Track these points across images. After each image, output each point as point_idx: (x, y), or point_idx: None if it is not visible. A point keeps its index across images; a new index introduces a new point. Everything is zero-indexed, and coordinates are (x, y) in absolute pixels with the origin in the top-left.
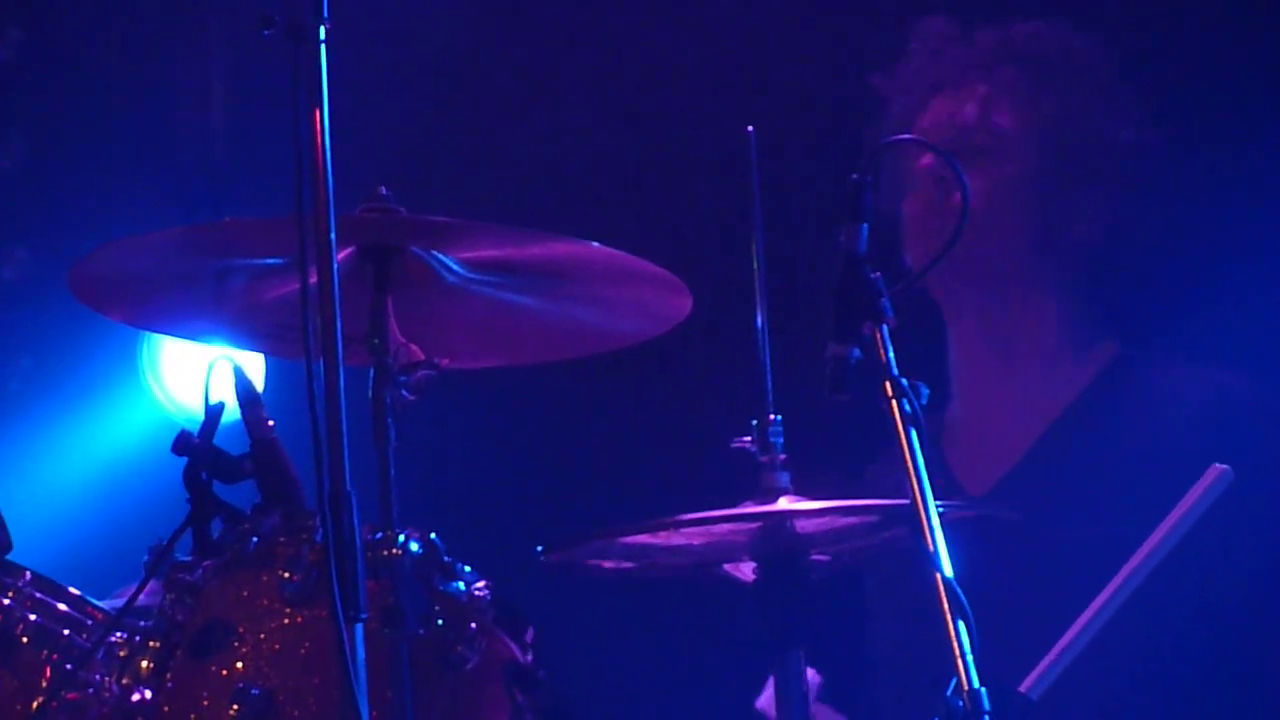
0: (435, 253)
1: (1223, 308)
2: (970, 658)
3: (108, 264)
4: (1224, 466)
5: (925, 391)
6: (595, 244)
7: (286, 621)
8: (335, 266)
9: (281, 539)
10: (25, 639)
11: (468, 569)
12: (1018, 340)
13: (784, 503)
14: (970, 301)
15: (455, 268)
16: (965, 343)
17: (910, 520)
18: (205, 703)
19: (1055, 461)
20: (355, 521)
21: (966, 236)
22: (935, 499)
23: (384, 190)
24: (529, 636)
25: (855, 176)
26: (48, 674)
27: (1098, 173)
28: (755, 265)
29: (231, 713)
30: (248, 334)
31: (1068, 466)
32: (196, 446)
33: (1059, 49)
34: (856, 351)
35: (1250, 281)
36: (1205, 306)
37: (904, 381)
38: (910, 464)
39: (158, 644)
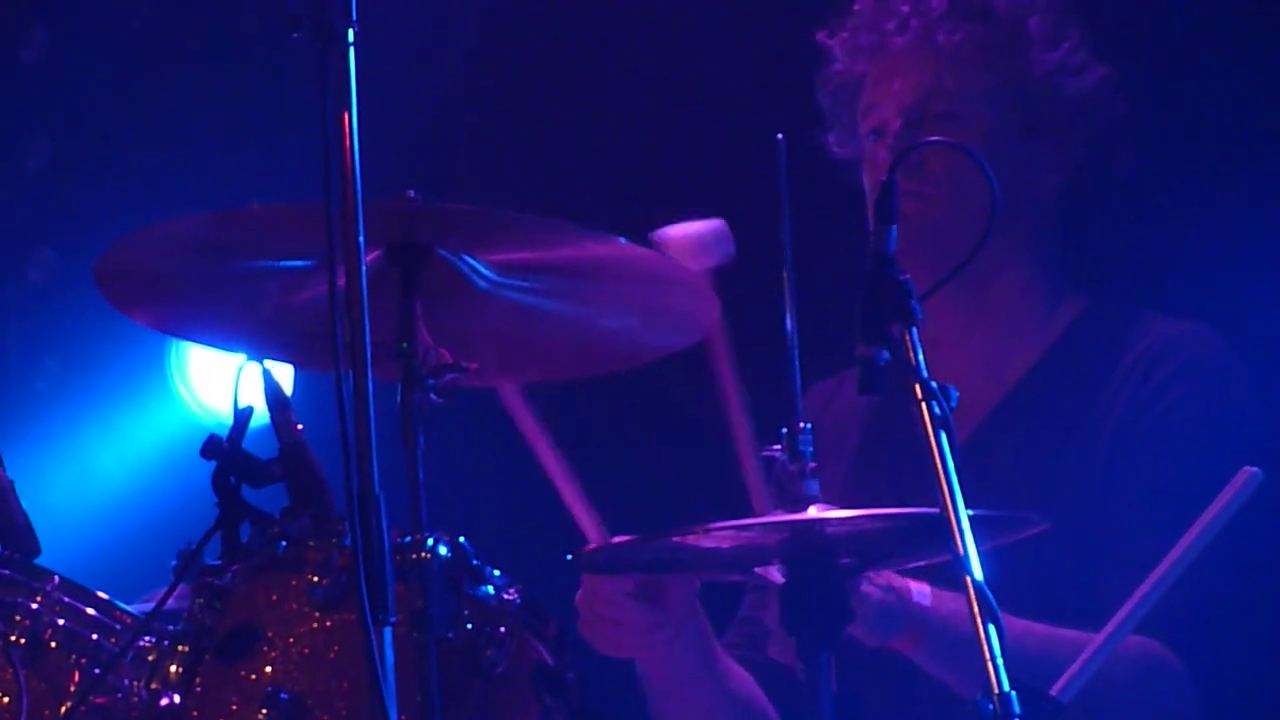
0: (464, 255)
1: (1191, 260)
2: (1000, 661)
3: (134, 254)
4: (1254, 469)
5: (955, 394)
6: (622, 240)
7: (315, 625)
8: (364, 266)
9: (310, 543)
10: (54, 643)
11: (496, 573)
12: (983, 300)
13: (813, 512)
14: (939, 268)
15: (484, 271)
16: (928, 307)
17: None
18: (234, 707)
19: (1021, 418)
20: (384, 525)
21: (931, 206)
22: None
23: (412, 194)
24: (552, 632)
25: (885, 178)
26: (76, 678)
27: (1057, 125)
28: (785, 272)
29: (260, 717)
30: (275, 343)
31: (1032, 425)
32: (225, 450)
33: (1008, 4)
34: (885, 353)
35: (1217, 231)
36: (1173, 259)
37: (934, 384)
38: (940, 467)
39: (186, 648)
